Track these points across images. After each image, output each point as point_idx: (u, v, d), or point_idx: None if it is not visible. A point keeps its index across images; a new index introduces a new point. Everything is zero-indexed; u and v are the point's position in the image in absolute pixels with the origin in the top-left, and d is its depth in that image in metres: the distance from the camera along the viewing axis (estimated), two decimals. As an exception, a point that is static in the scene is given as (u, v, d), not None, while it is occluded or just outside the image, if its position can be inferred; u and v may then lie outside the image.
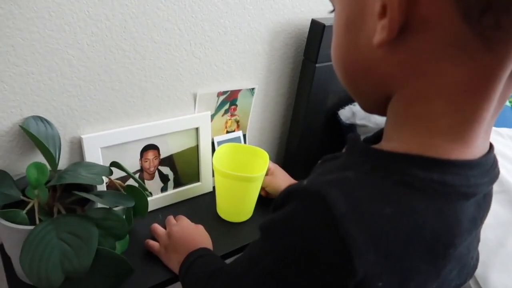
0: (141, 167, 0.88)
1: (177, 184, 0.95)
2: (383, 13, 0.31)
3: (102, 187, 0.80)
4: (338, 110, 1.12)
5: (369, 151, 0.37)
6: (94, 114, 0.78)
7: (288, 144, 1.15)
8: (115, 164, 0.74)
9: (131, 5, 0.72)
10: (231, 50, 0.90)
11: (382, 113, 0.39)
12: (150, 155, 0.88)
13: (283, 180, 0.94)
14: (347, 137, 0.40)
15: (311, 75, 0.98)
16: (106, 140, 0.80)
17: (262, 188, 0.94)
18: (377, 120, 1.08)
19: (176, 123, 0.88)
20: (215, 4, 0.81)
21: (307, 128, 1.07)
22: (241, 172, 0.85)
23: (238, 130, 1.03)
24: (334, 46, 0.39)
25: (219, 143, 1.00)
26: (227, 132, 1.01)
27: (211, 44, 0.86)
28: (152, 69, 0.81)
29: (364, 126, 1.10)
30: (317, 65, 0.96)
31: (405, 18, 0.31)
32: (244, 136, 1.05)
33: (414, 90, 0.34)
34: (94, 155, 0.80)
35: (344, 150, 0.41)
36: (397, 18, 0.30)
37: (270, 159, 0.94)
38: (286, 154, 1.16)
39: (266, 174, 0.93)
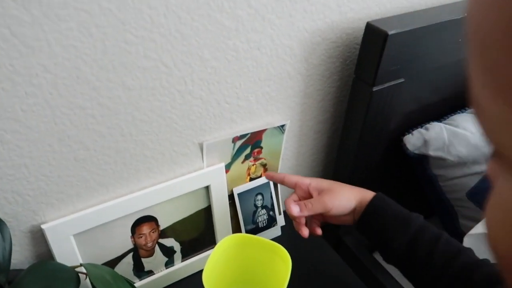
0: (135, 244, 0.66)
1: (186, 255, 0.73)
2: None
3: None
4: (404, 135, 0.82)
5: None
6: (56, 194, 0.56)
7: (334, 179, 0.87)
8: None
9: (82, 45, 0.46)
10: (248, 79, 0.62)
11: None
12: (146, 228, 0.66)
13: (344, 192, 0.64)
14: None
15: (366, 100, 0.68)
16: (79, 225, 0.58)
17: (317, 216, 0.65)
18: (460, 152, 0.77)
19: (176, 186, 0.64)
20: (217, 21, 0.53)
21: (360, 158, 0.79)
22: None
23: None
24: None
25: (241, 195, 0.75)
26: (251, 179, 0.76)
27: (216, 76, 0.59)
28: (131, 124, 0.56)
29: (440, 159, 0.80)
30: (374, 88, 0.66)
31: None
32: (275, 180, 0.79)
33: None
34: (65, 246, 0.58)
35: None
36: None
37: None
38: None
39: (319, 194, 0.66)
